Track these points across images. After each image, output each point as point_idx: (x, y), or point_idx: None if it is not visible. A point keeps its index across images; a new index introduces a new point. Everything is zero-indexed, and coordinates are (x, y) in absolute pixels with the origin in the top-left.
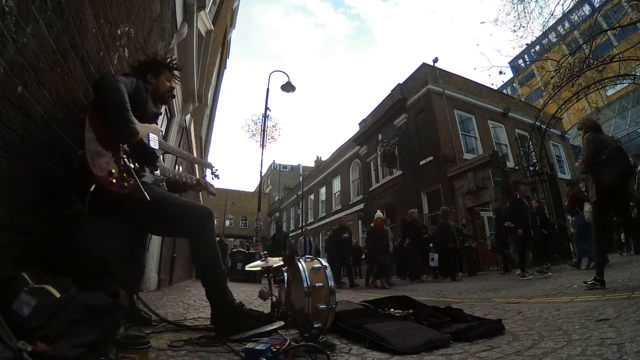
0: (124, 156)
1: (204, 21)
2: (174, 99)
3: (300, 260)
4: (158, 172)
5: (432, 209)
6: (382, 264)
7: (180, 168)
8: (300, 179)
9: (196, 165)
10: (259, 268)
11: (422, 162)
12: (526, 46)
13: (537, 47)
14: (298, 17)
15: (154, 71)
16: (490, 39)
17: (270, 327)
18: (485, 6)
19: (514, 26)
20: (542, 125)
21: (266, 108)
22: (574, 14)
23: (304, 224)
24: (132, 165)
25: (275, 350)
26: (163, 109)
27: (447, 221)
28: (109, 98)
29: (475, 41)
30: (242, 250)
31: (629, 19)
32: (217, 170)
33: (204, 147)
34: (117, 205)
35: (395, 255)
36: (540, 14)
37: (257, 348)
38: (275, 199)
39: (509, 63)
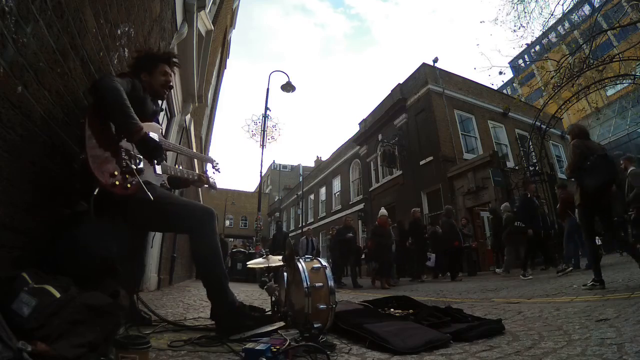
0: (126, 157)
1: (204, 21)
2: (174, 98)
3: (300, 260)
4: (160, 170)
5: (432, 209)
6: (387, 262)
7: (181, 166)
8: (300, 179)
9: (196, 162)
10: (260, 265)
11: (422, 162)
12: (526, 46)
13: (537, 47)
14: (297, 17)
15: (147, 68)
16: (490, 39)
17: (270, 327)
18: (485, 6)
19: (514, 26)
20: (542, 125)
21: (266, 108)
22: (574, 14)
23: (304, 224)
24: (133, 166)
25: (275, 350)
26: (163, 105)
27: (451, 220)
28: (107, 98)
29: (475, 41)
30: (242, 250)
31: (629, 19)
32: (218, 164)
33: (204, 147)
34: (120, 205)
35: (397, 255)
36: (540, 14)
37: (257, 348)
38: (275, 199)
39: (509, 63)
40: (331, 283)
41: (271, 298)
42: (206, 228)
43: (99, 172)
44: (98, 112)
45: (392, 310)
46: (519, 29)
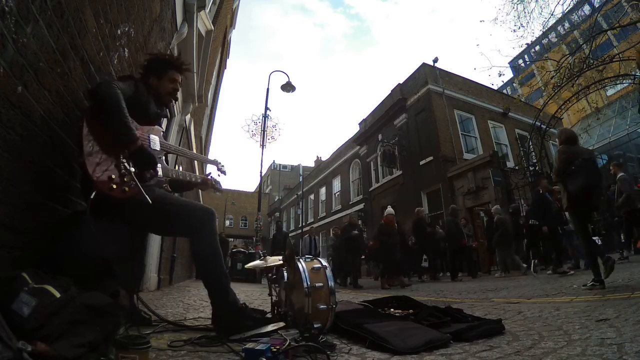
0: (124, 160)
1: (204, 21)
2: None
3: (300, 260)
4: (160, 173)
5: (432, 209)
6: (395, 262)
7: (180, 167)
8: (300, 179)
9: (196, 163)
10: (259, 267)
11: (422, 162)
12: (526, 46)
13: (537, 47)
14: (297, 17)
15: (157, 72)
16: (490, 39)
17: (270, 328)
18: (485, 6)
19: (514, 26)
20: (542, 125)
21: (266, 108)
22: (574, 14)
23: (304, 224)
24: (132, 169)
25: (275, 350)
26: (171, 109)
27: (457, 219)
28: (105, 105)
29: (475, 41)
30: (242, 250)
31: (629, 19)
32: (223, 166)
33: (204, 147)
34: (119, 208)
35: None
36: (540, 13)
37: (257, 348)
38: (275, 199)
39: (509, 63)
40: (331, 283)
41: (271, 298)
42: (206, 228)
43: (96, 175)
44: (97, 115)
45: (392, 310)
46: (519, 28)
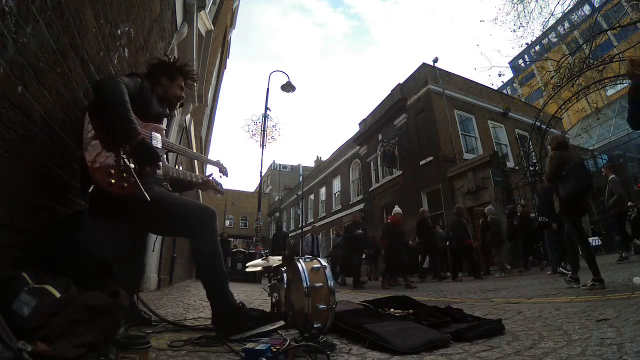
0: (124, 156)
1: (204, 21)
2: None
3: (300, 260)
4: (161, 172)
5: (432, 209)
6: (402, 262)
7: (180, 167)
8: (300, 179)
9: (196, 163)
10: (259, 268)
11: (422, 162)
12: (526, 46)
13: (537, 47)
14: (296, 17)
15: (169, 74)
16: (490, 39)
17: (270, 327)
18: (485, 5)
19: (514, 26)
20: (542, 125)
21: (266, 108)
22: (574, 14)
23: (304, 224)
24: (132, 165)
25: (275, 350)
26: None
27: (462, 218)
28: (108, 99)
29: (475, 41)
30: (243, 250)
31: (629, 19)
32: (225, 168)
33: (204, 147)
34: (118, 205)
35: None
36: (540, 13)
37: (257, 348)
38: (275, 199)
39: (509, 63)
40: (331, 283)
41: (271, 299)
42: (207, 228)
43: (94, 169)
44: (99, 111)
45: (392, 310)
46: (519, 28)
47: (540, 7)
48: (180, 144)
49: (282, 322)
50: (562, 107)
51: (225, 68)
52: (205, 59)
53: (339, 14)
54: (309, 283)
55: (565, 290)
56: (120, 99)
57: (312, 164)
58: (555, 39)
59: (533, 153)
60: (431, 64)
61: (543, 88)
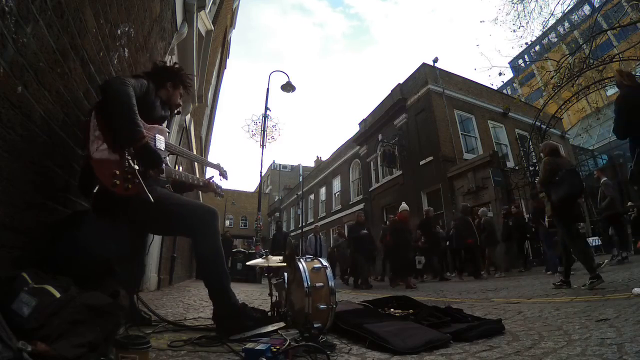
0: (129, 157)
1: (204, 21)
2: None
3: (301, 260)
4: (164, 174)
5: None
6: (409, 260)
7: (180, 168)
8: (300, 179)
9: (196, 164)
10: (260, 265)
11: (422, 162)
12: (526, 46)
13: (537, 47)
14: (296, 17)
15: (174, 81)
16: (490, 39)
17: (270, 328)
18: (485, 5)
19: (514, 25)
20: (542, 125)
21: (266, 108)
22: (574, 14)
23: (304, 223)
24: (136, 167)
25: (275, 350)
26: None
27: (467, 217)
28: (115, 101)
29: (475, 41)
30: (243, 250)
31: (629, 19)
32: (225, 171)
33: (204, 147)
34: (122, 206)
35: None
36: (540, 13)
37: (257, 348)
38: (275, 199)
39: (509, 63)
40: (332, 283)
41: (271, 298)
42: (209, 227)
43: (100, 171)
44: (105, 112)
45: (392, 310)
46: (519, 28)
47: (540, 7)
48: (180, 144)
49: (282, 324)
50: (562, 107)
51: (225, 68)
52: (205, 59)
53: (338, 13)
54: (310, 283)
55: (565, 290)
56: (127, 101)
57: (312, 164)
58: (555, 39)
59: (533, 153)
60: (431, 64)
61: (543, 88)
